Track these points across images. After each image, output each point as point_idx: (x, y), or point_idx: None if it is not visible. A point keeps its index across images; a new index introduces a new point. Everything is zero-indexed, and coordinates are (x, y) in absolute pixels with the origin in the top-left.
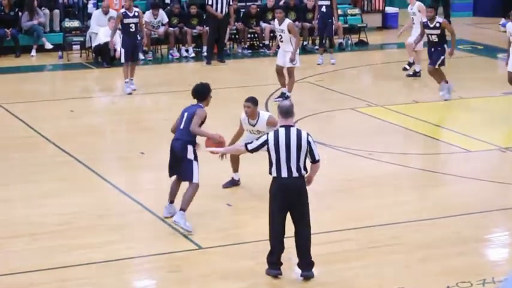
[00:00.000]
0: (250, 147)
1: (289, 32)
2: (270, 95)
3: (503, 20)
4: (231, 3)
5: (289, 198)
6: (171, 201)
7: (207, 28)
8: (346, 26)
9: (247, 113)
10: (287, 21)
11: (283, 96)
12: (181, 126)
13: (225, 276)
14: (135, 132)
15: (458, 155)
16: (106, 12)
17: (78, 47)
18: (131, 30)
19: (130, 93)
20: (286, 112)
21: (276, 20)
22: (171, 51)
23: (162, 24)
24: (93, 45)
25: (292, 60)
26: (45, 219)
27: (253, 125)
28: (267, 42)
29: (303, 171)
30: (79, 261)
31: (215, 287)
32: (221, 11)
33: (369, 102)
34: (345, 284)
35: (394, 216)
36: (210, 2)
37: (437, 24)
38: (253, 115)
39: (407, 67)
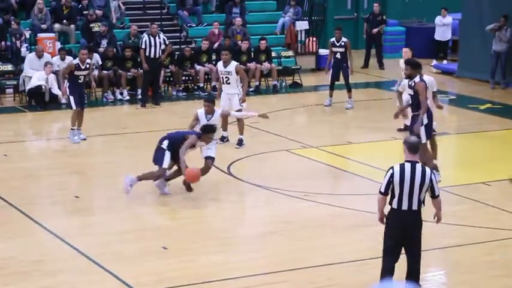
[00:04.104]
0: (381, 189)
1: (237, 73)
2: None
3: (434, 62)
4: (164, 46)
5: (404, 233)
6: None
7: (142, 71)
8: (281, 68)
9: (207, 110)
10: (234, 63)
11: (223, 139)
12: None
13: None
14: (69, 176)
15: None
16: (40, 56)
17: (11, 90)
18: (80, 81)
19: (78, 143)
20: (414, 148)
21: (221, 61)
22: (105, 94)
23: (96, 67)
24: (27, 88)
25: (243, 101)
26: None
27: (208, 120)
28: (201, 84)
29: (420, 207)
30: None
31: None
32: (154, 55)
33: (303, 144)
34: None
35: (331, 258)
36: (143, 46)
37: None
38: (211, 111)
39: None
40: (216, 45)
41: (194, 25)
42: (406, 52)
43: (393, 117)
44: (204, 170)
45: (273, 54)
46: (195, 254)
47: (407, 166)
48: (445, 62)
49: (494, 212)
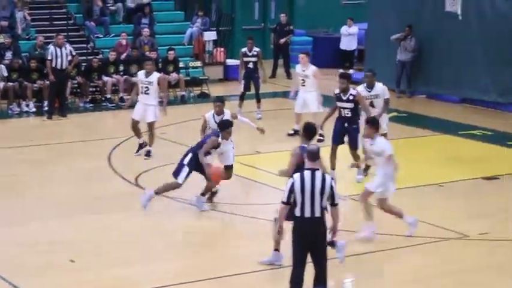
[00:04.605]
0: (284, 199)
1: (159, 84)
2: (113, 148)
3: (341, 71)
4: (71, 57)
5: (309, 239)
6: None
7: (48, 82)
8: (188, 78)
9: (217, 111)
10: (156, 74)
11: (142, 146)
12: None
13: None
14: None
15: None
16: None
17: None
18: None
19: None
20: (314, 155)
21: (143, 71)
22: (11, 107)
23: (1, 79)
24: None
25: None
26: None
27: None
28: (108, 95)
29: (323, 214)
30: None
31: None
32: (61, 66)
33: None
34: None
35: (242, 267)
36: (49, 57)
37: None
38: (221, 112)
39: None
40: (123, 56)
41: (101, 36)
42: (303, 58)
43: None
44: (226, 179)
45: (181, 64)
46: (102, 266)
47: (307, 174)
48: (351, 71)
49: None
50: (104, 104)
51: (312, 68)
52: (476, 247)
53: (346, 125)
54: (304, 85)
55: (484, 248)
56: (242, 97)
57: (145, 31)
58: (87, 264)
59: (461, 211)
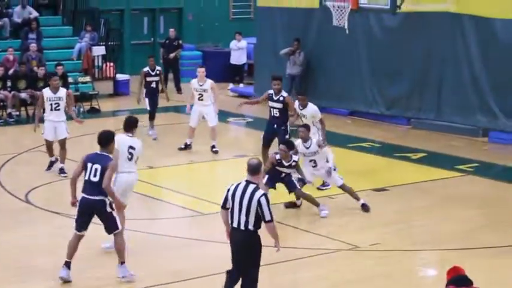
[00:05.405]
0: (221, 203)
1: (65, 99)
2: (1, 165)
3: (231, 85)
4: None
5: (235, 249)
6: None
7: None
8: (78, 93)
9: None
10: (63, 89)
11: (53, 164)
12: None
13: None
14: None
15: (193, 218)
16: None
17: None
18: None
19: None
20: (253, 169)
21: (47, 88)
22: None
23: None
24: None
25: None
26: None
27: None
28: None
29: (250, 227)
30: None
31: None
32: None
33: None
34: None
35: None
36: None
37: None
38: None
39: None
40: (11, 71)
41: None
42: (202, 72)
43: None
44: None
45: (70, 80)
46: None
47: (242, 184)
48: (241, 85)
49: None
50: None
51: (209, 82)
52: (367, 258)
53: (275, 126)
54: (201, 99)
55: (374, 259)
56: (152, 116)
57: (33, 46)
58: None
59: (352, 223)
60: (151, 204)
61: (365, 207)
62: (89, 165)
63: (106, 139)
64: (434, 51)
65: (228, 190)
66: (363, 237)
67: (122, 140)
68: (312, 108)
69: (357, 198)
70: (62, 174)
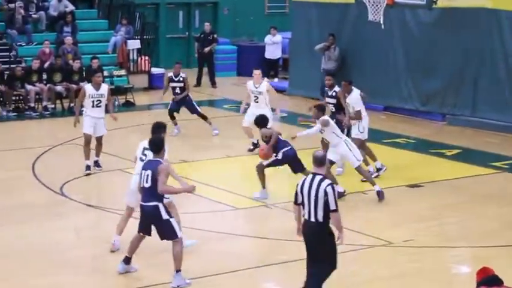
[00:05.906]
0: (294, 199)
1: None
2: (36, 158)
3: (266, 80)
4: None
5: (307, 240)
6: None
7: None
8: (113, 87)
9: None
10: (105, 85)
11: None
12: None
13: None
14: None
15: (226, 212)
16: None
17: None
18: None
19: None
20: (318, 161)
21: (89, 84)
22: None
23: None
24: None
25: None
26: None
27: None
28: (32, 104)
29: (320, 218)
30: None
31: None
32: None
33: None
34: None
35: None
36: None
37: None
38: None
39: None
40: (46, 64)
41: (24, 44)
42: (258, 75)
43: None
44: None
45: (105, 73)
46: (26, 276)
47: (309, 178)
48: (276, 80)
49: None
50: (28, 112)
51: (265, 84)
52: (401, 254)
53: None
54: (257, 101)
55: (408, 255)
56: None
57: (68, 39)
58: (12, 273)
59: (385, 219)
60: (188, 198)
61: (380, 195)
62: (142, 172)
63: (156, 145)
64: (470, 47)
65: (297, 185)
66: (396, 233)
67: (140, 144)
68: (355, 96)
69: (373, 183)
70: (97, 168)
